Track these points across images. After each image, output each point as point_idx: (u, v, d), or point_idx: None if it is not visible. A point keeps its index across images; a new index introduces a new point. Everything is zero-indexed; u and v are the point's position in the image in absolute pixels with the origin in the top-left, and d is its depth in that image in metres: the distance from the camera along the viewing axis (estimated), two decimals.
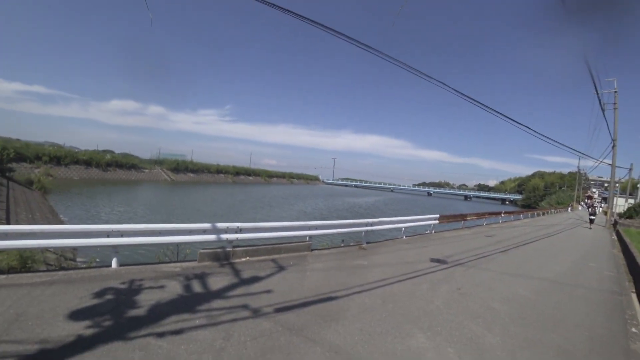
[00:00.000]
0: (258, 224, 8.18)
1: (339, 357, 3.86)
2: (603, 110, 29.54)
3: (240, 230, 7.70)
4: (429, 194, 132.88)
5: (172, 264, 6.94)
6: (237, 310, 4.79)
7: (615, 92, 30.82)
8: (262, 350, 3.78)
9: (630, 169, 46.40)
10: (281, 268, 7.20)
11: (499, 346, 4.77)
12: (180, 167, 69.01)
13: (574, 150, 49.61)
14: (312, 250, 9.16)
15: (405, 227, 13.34)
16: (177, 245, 8.28)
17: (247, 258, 7.70)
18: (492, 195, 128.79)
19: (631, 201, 50.64)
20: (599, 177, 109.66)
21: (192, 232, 7.15)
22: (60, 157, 48.12)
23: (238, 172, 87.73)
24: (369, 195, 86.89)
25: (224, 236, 7.48)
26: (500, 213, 26.74)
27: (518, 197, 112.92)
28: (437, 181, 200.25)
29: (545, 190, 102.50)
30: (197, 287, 5.62)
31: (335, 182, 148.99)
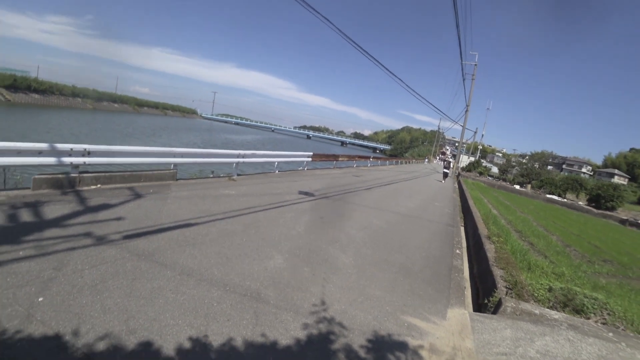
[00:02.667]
0: (112, 147, 7.20)
1: (191, 279, 3.77)
2: (464, 78, 33.60)
3: (88, 154, 6.70)
4: (309, 137, 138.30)
5: None
6: (77, 239, 4.24)
7: (475, 65, 35.28)
8: (102, 277, 3.45)
9: (475, 132, 56.11)
10: (138, 196, 6.59)
11: (351, 264, 5.30)
12: (20, 84, 55.19)
13: (436, 108, 57.34)
14: (177, 179, 8.60)
15: (279, 162, 13.52)
16: (3, 170, 6.88)
17: (99, 186, 6.83)
18: (365, 143, 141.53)
19: (472, 158, 62.45)
20: (453, 137, 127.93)
21: (23, 153, 5.90)
22: None
23: (100, 98, 75.37)
24: (249, 133, 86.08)
25: (67, 159, 6.41)
26: (369, 157, 29.37)
27: (387, 147, 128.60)
28: (318, 126, 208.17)
29: (410, 143, 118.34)
30: (25, 216, 4.76)
31: (214, 117, 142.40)
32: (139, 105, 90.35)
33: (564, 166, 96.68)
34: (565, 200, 40.32)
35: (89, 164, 6.78)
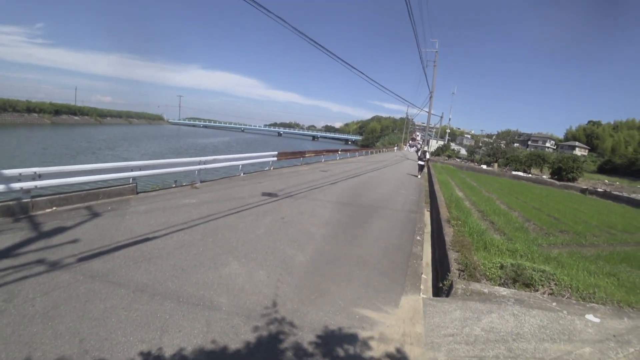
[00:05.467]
0: (64, 168, 7.12)
1: (144, 294, 3.89)
2: (424, 67, 34.59)
3: (39, 177, 6.60)
4: (279, 134, 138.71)
5: None
6: (29, 267, 4.26)
7: (436, 52, 36.26)
8: (54, 304, 3.52)
9: (441, 117, 57.44)
10: (96, 215, 6.58)
11: (308, 263, 5.51)
12: None
13: (400, 97, 58.61)
14: (137, 193, 8.57)
15: (243, 164, 13.57)
16: None
17: (54, 208, 6.76)
18: (337, 135, 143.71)
19: (441, 142, 64.16)
20: (422, 122, 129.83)
21: None
22: None
23: (59, 111, 72.25)
24: (218, 135, 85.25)
25: (17, 185, 6.31)
26: (337, 151, 29.66)
27: (359, 137, 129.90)
28: (288, 122, 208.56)
29: (381, 132, 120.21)
30: None
31: (182, 121, 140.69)
32: (101, 115, 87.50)
33: (529, 142, 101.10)
34: (530, 175, 42.04)
35: (41, 187, 6.70)
